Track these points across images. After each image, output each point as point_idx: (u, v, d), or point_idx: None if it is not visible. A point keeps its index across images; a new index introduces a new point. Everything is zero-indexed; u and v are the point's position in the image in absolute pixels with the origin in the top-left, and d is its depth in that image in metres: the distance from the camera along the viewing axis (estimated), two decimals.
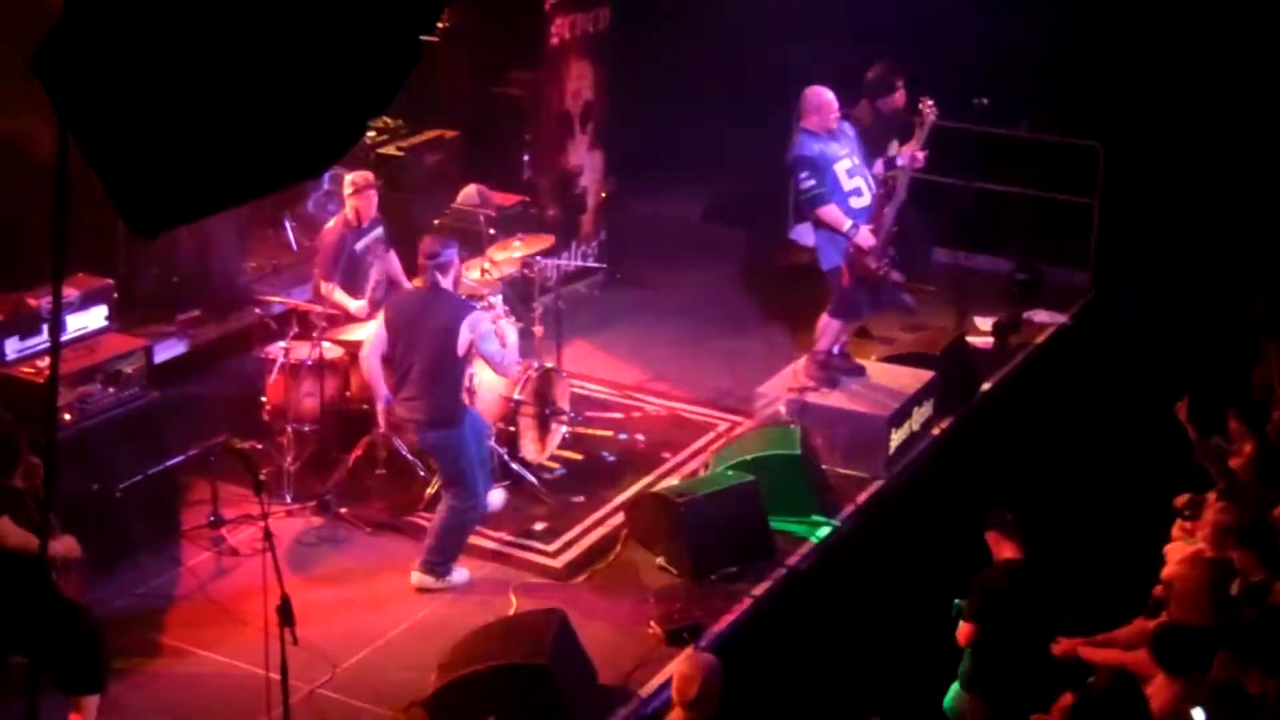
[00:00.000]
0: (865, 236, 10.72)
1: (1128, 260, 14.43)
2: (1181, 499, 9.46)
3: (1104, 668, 7.90)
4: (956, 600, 8.45)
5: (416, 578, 9.40)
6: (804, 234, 11.53)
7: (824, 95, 10.79)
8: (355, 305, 10.62)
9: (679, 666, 7.23)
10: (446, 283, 9.28)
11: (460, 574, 9.48)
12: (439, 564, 9.40)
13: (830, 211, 10.70)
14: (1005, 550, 8.41)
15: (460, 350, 9.17)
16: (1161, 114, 14.61)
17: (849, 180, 10.78)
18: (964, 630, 8.35)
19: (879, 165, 11.08)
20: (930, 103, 11.08)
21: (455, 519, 9.39)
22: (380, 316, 9.57)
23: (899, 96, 12.03)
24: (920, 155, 10.91)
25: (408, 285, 10.50)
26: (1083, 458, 11.51)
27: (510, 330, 10.14)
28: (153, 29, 3.59)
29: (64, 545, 7.54)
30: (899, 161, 10.99)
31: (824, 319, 11.19)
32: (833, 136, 10.77)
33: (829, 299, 11.12)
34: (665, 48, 15.64)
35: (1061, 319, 13.82)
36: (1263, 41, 14.47)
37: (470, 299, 10.73)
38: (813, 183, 10.69)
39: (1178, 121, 14.60)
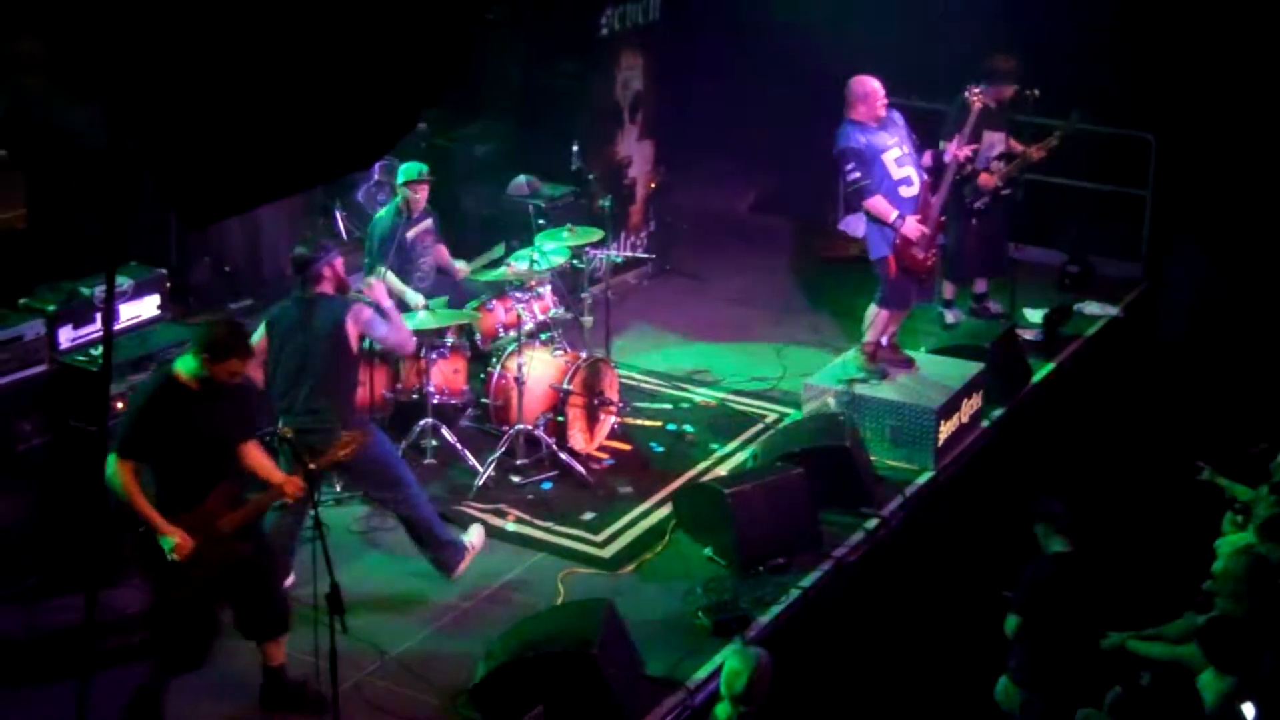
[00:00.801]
0: (912, 227, 10.70)
1: (1181, 252, 14.34)
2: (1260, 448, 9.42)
3: (1154, 662, 7.87)
4: (1005, 592, 8.43)
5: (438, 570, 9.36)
6: (853, 225, 11.49)
7: (869, 84, 10.76)
8: (411, 294, 10.64)
9: (728, 659, 7.23)
10: (323, 287, 8.89)
11: (472, 531, 9.56)
12: (449, 553, 9.33)
13: (877, 203, 10.68)
14: (1054, 542, 8.39)
15: (355, 348, 8.88)
16: (1216, 105, 14.50)
17: (898, 169, 10.76)
18: (1012, 622, 8.33)
19: (928, 156, 11.05)
20: (977, 90, 11.03)
21: (416, 517, 9.22)
22: (261, 330, 8.95)
23: (1006, 90, 12.19)
24: (965, 151, 10.87)
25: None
26: (1134, 450, 11.45)
27: (384, 298, 9.57)
28: (207, 22, 3.62)
29: (293, 485, 7.74)
30: (945, 157, 10.97)
31: (872, 309, 11.18)
32: (881, 126, 10.74)
33: (877, 290, 11.11)
34: (716, 38, 15.60)
35: (1113, 311, 13.75)
36: None
37: (520, 288, 10.78)
38: (859, 174, 10.68)
39: (1232, 112, 14.48)
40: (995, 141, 12.61)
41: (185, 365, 7.49)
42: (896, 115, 10.92)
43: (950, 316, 13.17)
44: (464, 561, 9.36)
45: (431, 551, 9.30)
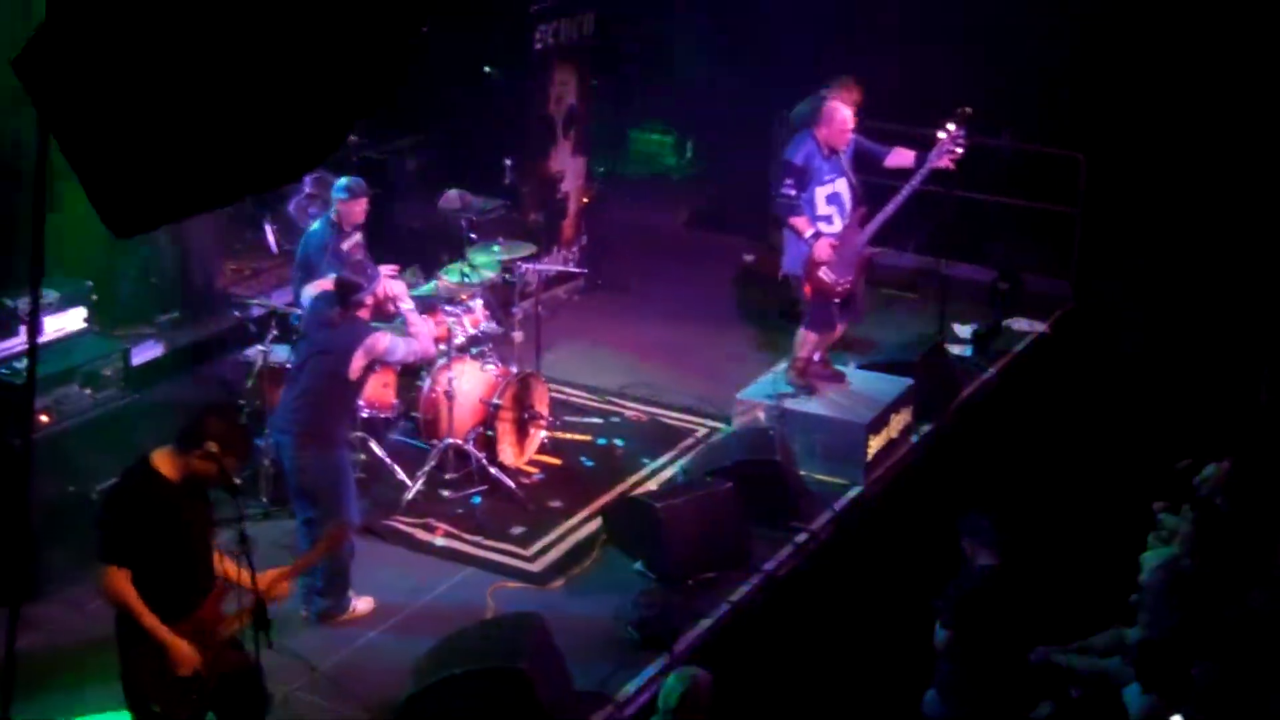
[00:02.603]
0: (823, 248, 10.76)
1: (1110, 269, 14.47)
2: (1159, 505, 9.50)
3: (1081, 676, 7.92)
4: (934, 602, 8.47)
5: (314, 618, 9.08)
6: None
7: (840, 113, 10.81)
8: None
9: (668, 678, 7.23)
10: (361, 313, 9.04)
11: (364, 603, 9.22)
12: (334, 605, 9.09)
13: (800, 220, 10.77)
14: (981, 556, 8.43)
15: (353, 375, 8.89)
16: (1144, 123, 14.66)
17: (824, 205, 10.87)
18: (941, 636, 8.36)
19: (907, 155, 10.94)
20: (948, 143, 10.84)
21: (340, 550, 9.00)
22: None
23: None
24: (947, 161, 10.79)
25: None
26: (1061, 465, 11.53)
27: (408, 309, 9.69)
28: (136, 32, 3.59)
29: (280, 588, 7.20)
30: (929, 162, 10.84)
31: (800, 331, 11.24)
32: (830, 157, 10.81)
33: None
34: (647, 54, 15.64)
35: (1041, 328, 13.85)
36: (1246, 49, 14.51)
37: (451, 302, 10.75)
38: (794, 192, 10.75)
39: (1160, 131, 14.64)
40: None
41: (168, 457, 6.84)
42: (850, 152, 10.95)
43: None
44: (336, 618, 9.09)
45: (323, 590, 9.07)
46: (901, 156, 11.01)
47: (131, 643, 6.82)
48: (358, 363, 8.86)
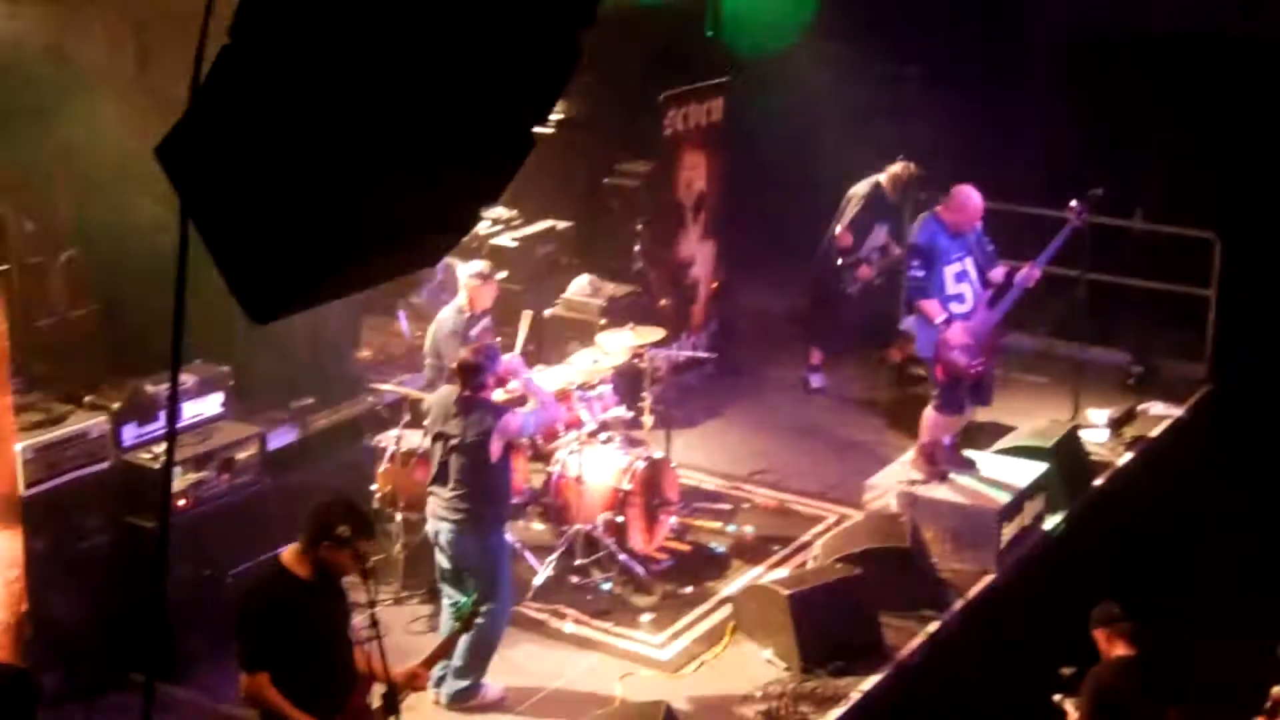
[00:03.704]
0: (956, 332, 10.68)
1: (1247, 352, 14.23)
2: None
3: None
4: (1057, 696, 8.32)
5: (448, 703, 9.09)
6: (914, 325, 11.52)
7: (972, 198, 10.85)
8: None
9: None
10: (485, 394, 9.13)
11: (494, 689, 9.22)
12: (469, 689, 9.12)
13: (931, 305, 10.70)
14: (1116, 648, 8.26)
15: (495, 457, 8.96)
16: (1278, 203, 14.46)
17: (954, 284, 10.82)
18: None
19: (1000, 273, 10.99)
20: (1077, 207, 10.96)
21: (488, 633, 9.07)
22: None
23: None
24: (1036, 274, 10.85)
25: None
26: (1200, 552, 11.31)
27: (528, 378, 9.79)
28: (275, 121, 3.65)
29: (421, 679, 7.31)
30: (1016, 278, 10.90)
31: (928, 412, 11.14)
32: (957, 237, 10.77)
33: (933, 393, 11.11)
34: (777, 139, 15.66)
35: (1177, 412, 13.63)
36: None
37: (582, 387, 10.78)
38: (922, 274, 10.71)
39: None
40: (881, 234, 13.55)
41: (297, 555, 6.82)
42: (978, 234, 10.95)
43: (815, 382, 14.01)
44: (470, 701, 9.12)
45: (463, 671, 9.10)
46: (997, 273, 11.01)
47: None
48: (495, 446, 8.92)
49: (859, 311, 13.77)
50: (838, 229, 13.51)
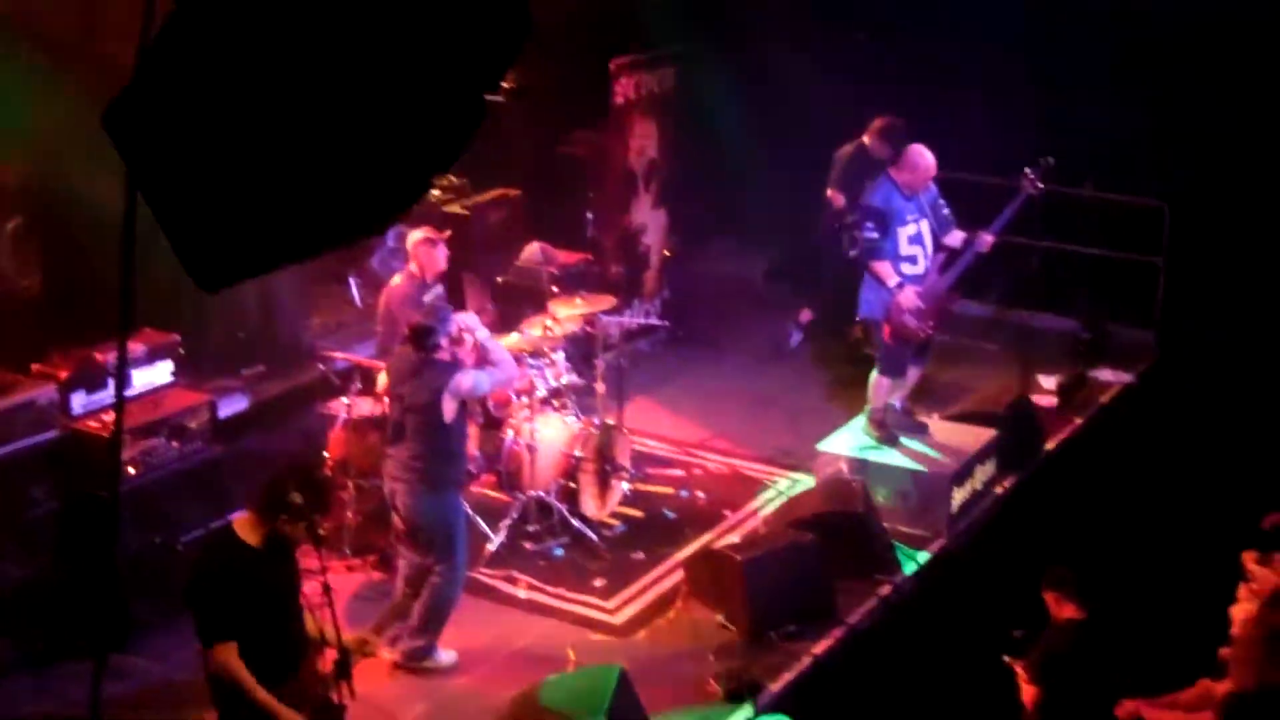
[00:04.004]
0: (908, 296, 10.71)
1: (1195, 319, 14.33)
2: (1250, 556, 9.38)
3: None
4: (1006, 658, 8.39)
5: (400, 660, 9.08)
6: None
7: (924, 157, 10.84)
8: None
9: None
10: (440, 355, 9.10)
11: (448, 655, 9.24)
12: (424, 649, 9.14)
13: (884, 267, 10.72)
14: (1066, 610, 8.33)
15: (449, 417, 8.96)
16: (1228, 171, 14.53)
17: (907, 246, 10.83)
18: (1029, 693, 8.26)
19: (957, 237, 10.99)
20: (1032, 175, 10.94)
21: (443, 593, 9.11)
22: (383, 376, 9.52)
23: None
24: (989, 241, 10.85)
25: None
26: (1148, 517, 11.40)
27: (484, 337, 9.70)
28: (222, 88, 3.64)
29: (372, 644, 7.36)
30: (977, 245, 10.90)
31: (873, 376, 11.19)
32: (911, 198, 10.78)
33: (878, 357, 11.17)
34: (728, 108, 15.65)
35: (1127, 378, 13.73)
36: None
37: (533, 355, 10.77)
38: (876, 235, 10.72)
39: (1244, 179, 14.51)
40: None
41: (250, 524, 6.82)
42: (931, 195, 10.95)
43: (795, 339, 14.06)
44: (420, 664, 9.12)
45: (418, 631, 9.11)
46: (953, 237, 11.01)
47: (234, 714, 6.79)
48: (449, 407, 8.91)
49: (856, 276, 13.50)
50: (829, 191, 13.35)
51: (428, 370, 8.99)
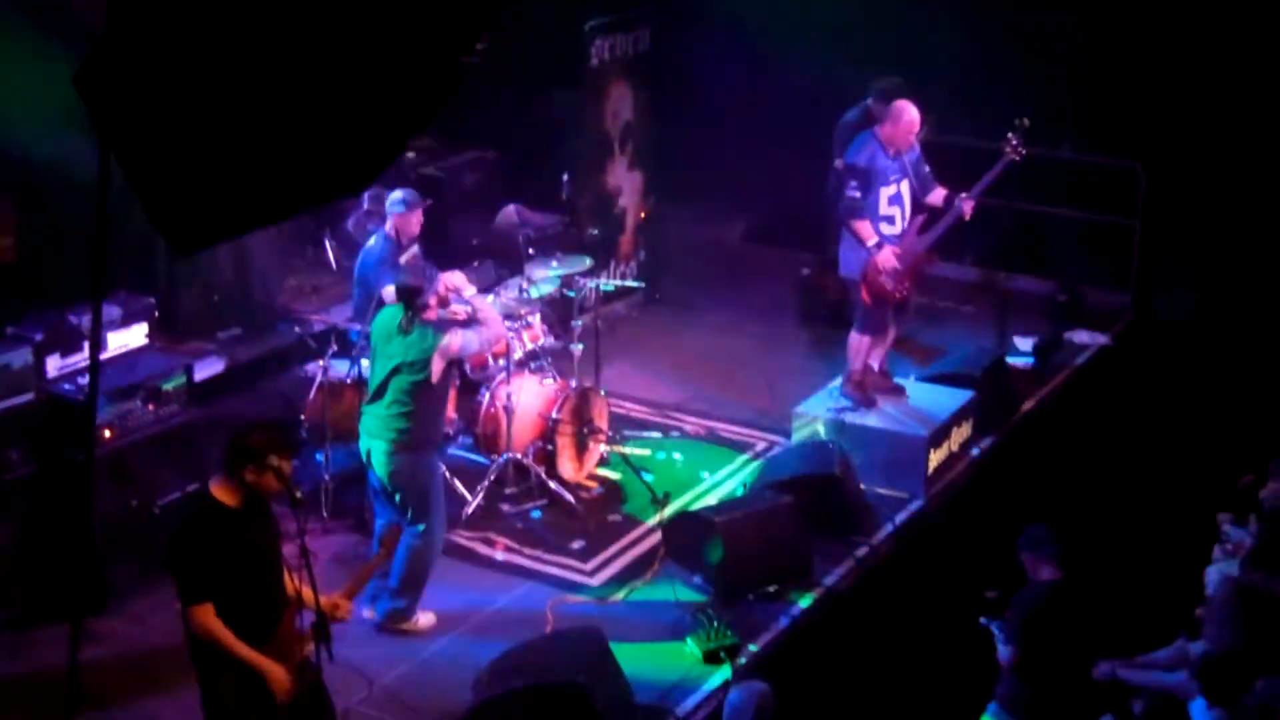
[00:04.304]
0: (886, 257, 10.71)
1: (1170, 281, 14.37)
2: (1225, 517, 9.44)
3: (1145, 690, 7.86)
4: (984, 619, 8.41)
5: (379, 619, 9.11)
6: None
7: (907, 111, 10.76)
8: None
9: (731, 695, 7.19)
10: (427, 315, 9.05)
11: (426, 617, 9.24)
12: (403, 610, 9.16)
13: (864, 226, 10.71)
14: (1043, 571, 8.36)
15: (435, 379, 8.94)
16: (1204, 134, 14.55)
17: (887, 206, 10.80)
18: (1006, 653, 8.28)
19: (939, 195, 10.96)
20: (1015, 141, 10.87)
21: (420, 555, 9.09)
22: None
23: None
24: (970, 205, 10.81)
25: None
26: (1124, 478, 11.45)
27: (475, 296, 9.64)
28: (194, 49, 3.61)
29: (344, 608, 7.12)
30: (958, 203, 10.85)
31: (852, 336, 11.20)
32: (895, 158, 10.75)
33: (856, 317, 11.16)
34: (705, 69, 15.62)
35: (1102, 340, 13.76)
36: None
37: (510, 317, 10.75)
38: (859, 194, 10.69)
39: (1221, 141, 14.53)
40: None
41: (224, 484, 6.74)
42: (914, 154, 10.91)
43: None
44: (399, 625, 9.14)
45: (397, 592, 9.12)
46: (935, 195, 10.98)
47: (216, 673, 6.77)
48: (437, 367, 8.89)
49: None
50: (838, 162, 12.96)
51: (416, 329, 8.94)
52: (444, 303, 9.23)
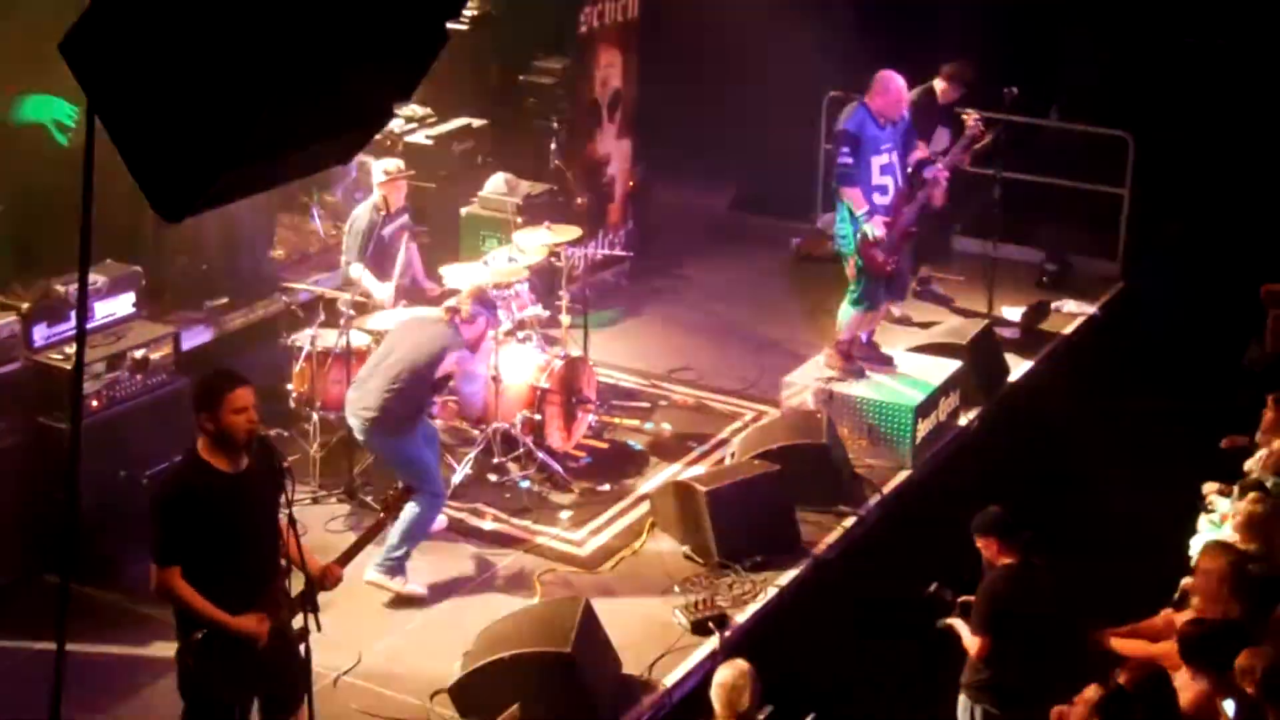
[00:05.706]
0: (876, 226, 10.70)
1: (1158, 251, 14.37)
2: (1211, 487, 9.45)
3: (1132, 660, 7.86)
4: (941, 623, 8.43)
5: (372, 575, 9.15)
6: (832, 223, 11.52)
7: (895, 83, 10.77)
8: (381, 290, 10.66)
9: (723, 675, 7.17)
10: (464, 327, 9.39)
11: (415, 587, 9.25)
12: (399, 558, 9.20)
13: (854, 192, 10.69)
14: (1001, 555, 8.28)
15: (436, 375, 9.23)
16: (1193, 103, 14.54)
17: (879, 176, 10.79)
18: (977, 645, 8.22)
19: (914, 156, 10.99)
20: (975, 117, 10.93)
21: (422, 515, 9.19)
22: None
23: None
24: (944, 176, 10.84)
25: (426, 285, 10.97)
26: (1111, 447, 11.46)
27: (492, 351, 10.24)
28: (180, 14, 3.59)
29: (333, 577, 7.12)
30: (926, 174, 10.91)
31: (844, 308, 11.19)
32: (885, 127, 10.74)
33: (849, 288, 11.15)
34: (696, 36, 15.57)
35: (1090, 309, 13.77)
36: None
37: (498, 286, 10.74)
38: (850, 161, 10.68)
39: (1209, 111, 14.52)
40: (944, 137, 12.66)
41: (209, 445, 6.65)
42: (903, 123, 10.91)
43: (896, 310, 12.94)
44: (397, 575, 9.18)
45: (395, 544, 9.13)
46: (913, 155, 10.98)
47: (184, 632, 6.74)
48: (444, 367, 9.16)
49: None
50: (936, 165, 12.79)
51: (448, 328, 9.25)
52: (474, 347, 9.47)
